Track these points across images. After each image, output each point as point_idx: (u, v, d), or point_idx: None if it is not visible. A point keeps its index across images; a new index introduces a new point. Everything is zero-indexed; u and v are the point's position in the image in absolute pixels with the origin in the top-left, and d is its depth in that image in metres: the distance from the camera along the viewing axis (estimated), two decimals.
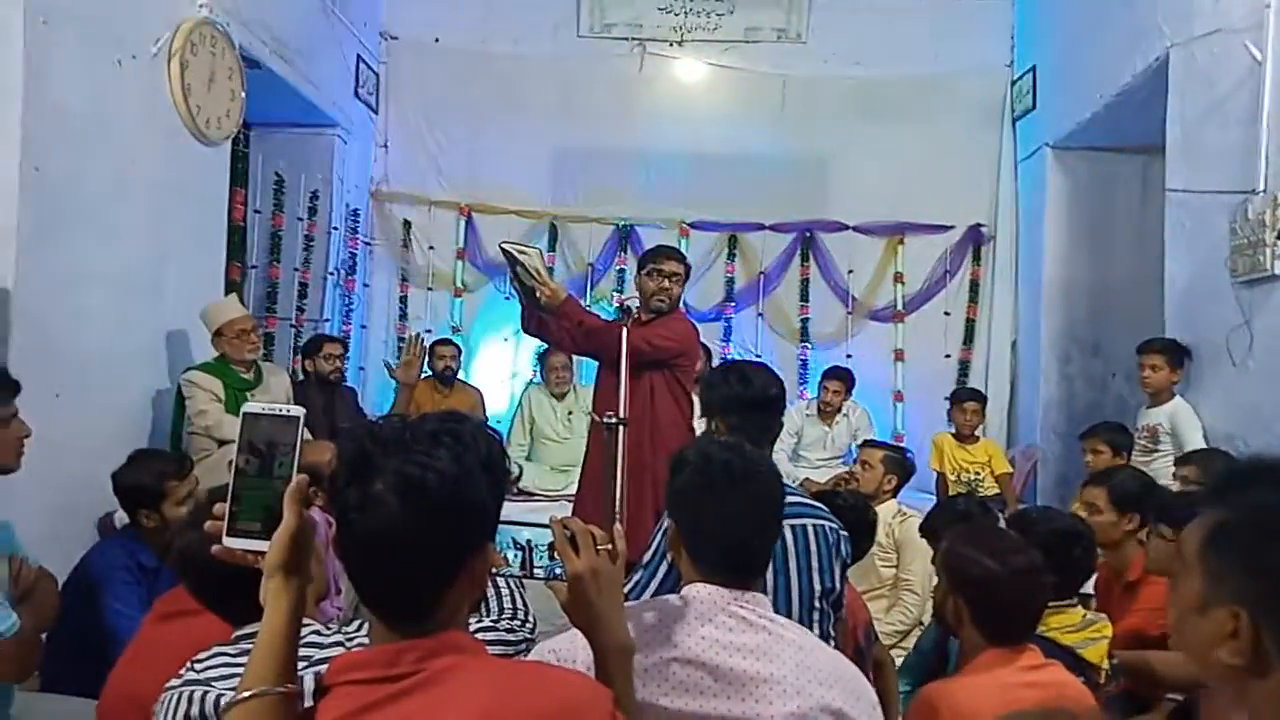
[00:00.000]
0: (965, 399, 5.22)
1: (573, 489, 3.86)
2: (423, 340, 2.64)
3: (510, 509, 4.44)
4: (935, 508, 3.14)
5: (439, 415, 1.05)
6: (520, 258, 3.29)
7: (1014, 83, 6.16)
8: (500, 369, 6.32)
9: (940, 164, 6.14)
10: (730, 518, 1.45)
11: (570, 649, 1.34)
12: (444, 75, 6.40)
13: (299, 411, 1.12)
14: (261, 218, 5.53)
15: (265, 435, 1.10)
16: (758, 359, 5.40)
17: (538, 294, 3.30)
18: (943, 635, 2.37)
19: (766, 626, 1.41)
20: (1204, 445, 3.64)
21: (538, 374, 5.82)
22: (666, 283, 3.48)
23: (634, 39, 6.42)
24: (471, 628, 1.46)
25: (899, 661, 3.14)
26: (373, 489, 0.97)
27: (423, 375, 5.68)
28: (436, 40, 6.42)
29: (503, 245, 3.39)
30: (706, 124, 6.33)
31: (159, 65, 3.83)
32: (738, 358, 5.87)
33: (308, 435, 1.26)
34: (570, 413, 5.51)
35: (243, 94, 4.39)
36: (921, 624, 3.43)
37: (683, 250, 6.06)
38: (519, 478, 5.09)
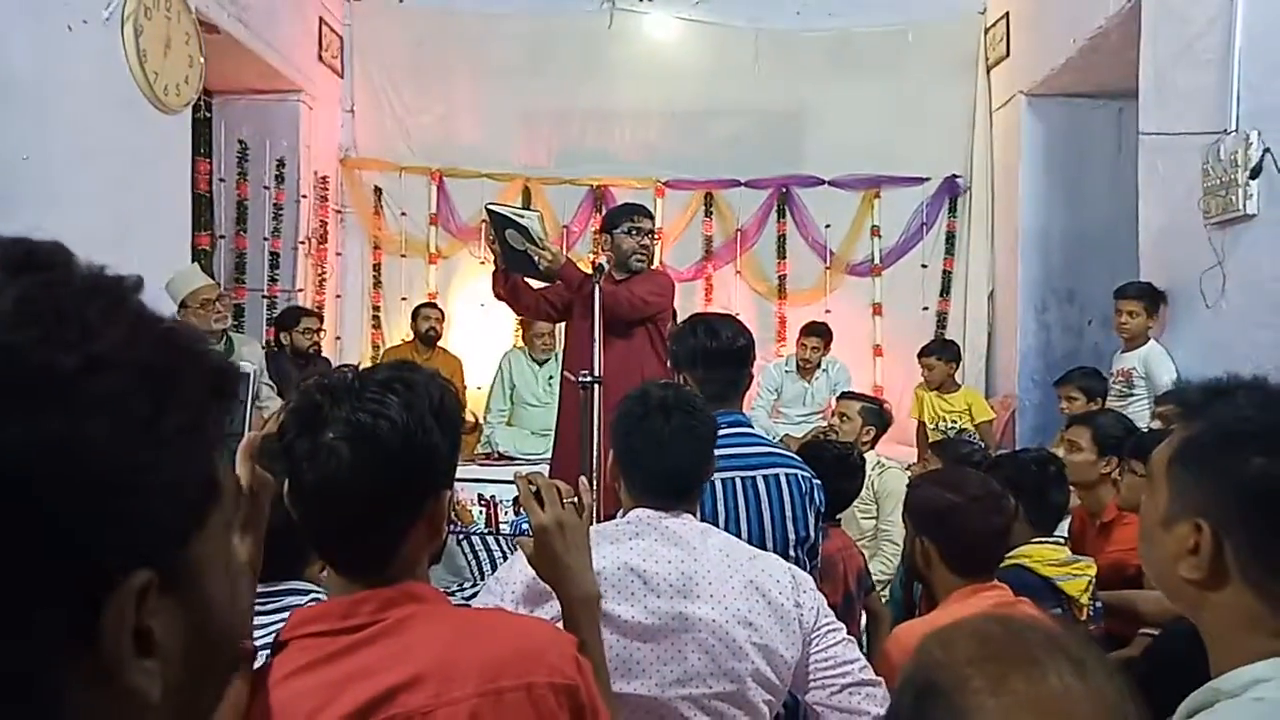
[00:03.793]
0: (923, 354, 5.25)
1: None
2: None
3: (489, 472, 4.46)
4: (946, 439, 3.24)
5: (390, 364, 1.02)
6: (520, 221, 3.20)
7: (987, 30, 6.11)
8: (478, 335, 6.27)
9: (915, 115, 6.09)
10: (662, 442, 1.53)
11: (507, 573, 1.44)
12: (410, 37, 6.27)
13: (250, 368, 1.10)
14: (226, 186, 5.43)
15: None
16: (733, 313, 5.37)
17: (536, 259, 3.22)
18: (909, 583, 2.40)
19: (693, 539, 1.49)
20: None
21: (518, 339, 5.80)
22: (646, 240, 3.46)
23: None
24: (466, 591, 1.47)
25: None
26: (323, 439, 0.95)
27: (406, 339, 5.71)
28: (401, 1, 6.28)
29: (491, 207, 3.30)
30: (679, 81, 6.25)
31: (112, 30, 3.72)
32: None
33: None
34: (551, 377, 5.47)
35: (202, 60, 4.28)
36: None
37: (658, 209, 6.12)
38: (475, 428, 5.07)
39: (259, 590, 1.40)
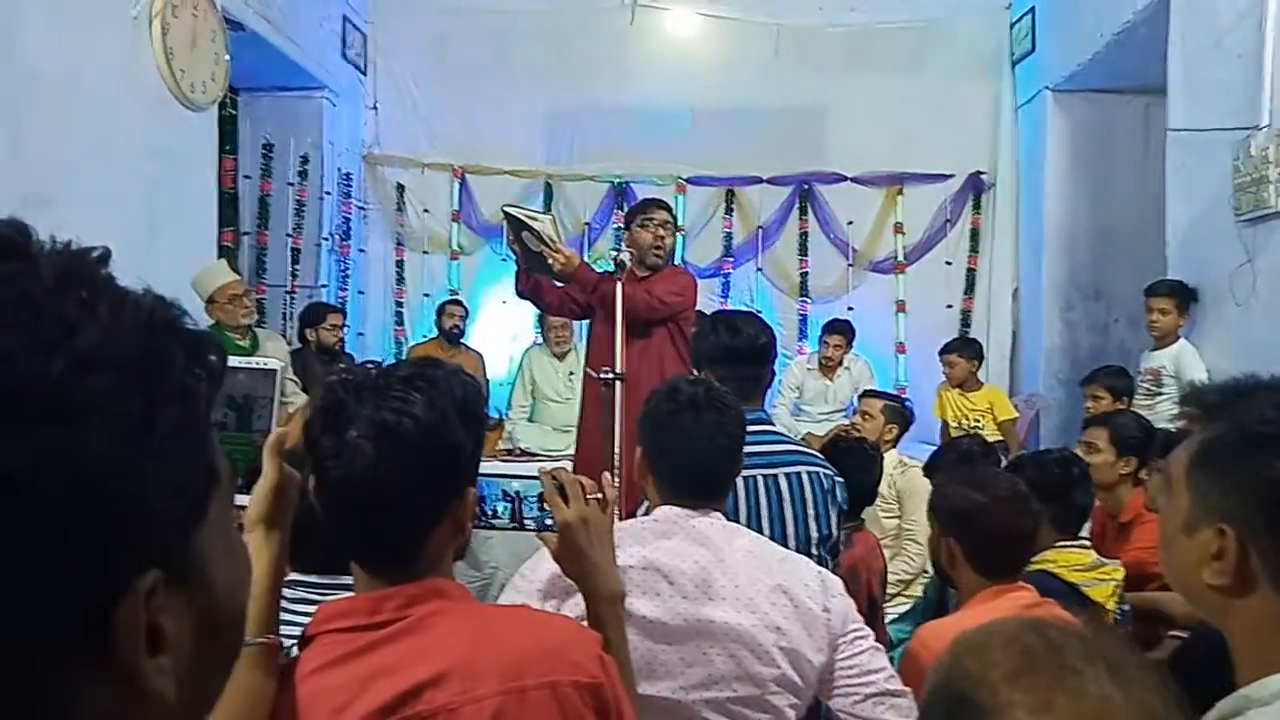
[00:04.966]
0: (945, 351, 5.21)
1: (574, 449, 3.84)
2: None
3: (512, 468, 4.48)
4: (938, 449, 3.16)
5: (413, 361, 1.03)
6: (532, 224, 3.20)
7: (1013, 25, 6.05)
8: (500, 332, 6.29)
9: (939, 111, 6.04)
10: (691, 439, 1.52)
11: (533, 569, 1.43)
12: (432, 34, 6.30)
13: (276, 364, 1.10)
14: (250, 183, 5.48)
15: (242, 388, 1.09)
16: (755, 310, 5.36)
17: (549, 261, 3.22)
18: (943, 584, 2.38)
19: (719, 539, 1.48)
20: None
21: (538, 335, 5.81)
22: (661, 231, 3.44)
23: None
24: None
25: (903, 610, 3.16)
26: (348, 436, 0.95)
27: (430, 336, 5.75)
28: None
29: (507, 210, 3.31)
30: (700, 77, 6.23)
31: (139, 28, 3.75)
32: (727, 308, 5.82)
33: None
34: (572, 373, 5.48)
35: (227, 57, 4.32)
36: (926, 572, 3.44)
37: (680, 206, 6.10)
38: (499, 425, 5.09)
39: (314, 583, 1.41)
